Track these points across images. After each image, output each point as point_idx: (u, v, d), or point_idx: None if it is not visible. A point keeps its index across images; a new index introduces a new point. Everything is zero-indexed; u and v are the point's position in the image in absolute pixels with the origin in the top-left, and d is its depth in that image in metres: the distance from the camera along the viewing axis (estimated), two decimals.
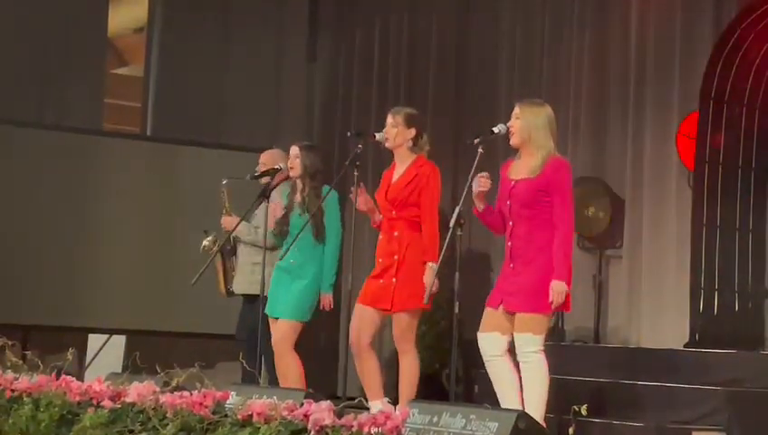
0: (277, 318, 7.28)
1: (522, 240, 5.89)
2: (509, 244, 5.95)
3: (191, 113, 10.67)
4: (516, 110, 6.02)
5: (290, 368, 7.20)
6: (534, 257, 5.84)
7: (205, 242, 8.09)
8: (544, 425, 5.66)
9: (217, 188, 8.02)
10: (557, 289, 5.79)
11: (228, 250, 8.07)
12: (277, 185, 7.96)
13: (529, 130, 5.93)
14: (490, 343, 5.96)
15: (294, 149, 7.40)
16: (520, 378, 5.92)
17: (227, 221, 7.88)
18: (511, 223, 5.95)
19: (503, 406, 5.90)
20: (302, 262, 7.24)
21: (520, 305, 5.84)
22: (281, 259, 7.20)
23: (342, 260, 7.65)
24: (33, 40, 10.13)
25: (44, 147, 9.72)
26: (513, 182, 5.95)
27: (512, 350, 5.96)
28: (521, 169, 5.97)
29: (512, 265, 5.93)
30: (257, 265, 7.47)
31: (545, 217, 5.87)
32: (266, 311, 7.31)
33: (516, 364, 5.93)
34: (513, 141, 5.98)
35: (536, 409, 5.78)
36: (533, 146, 5.92)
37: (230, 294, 8.20)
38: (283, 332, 7.22)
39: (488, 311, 6.01)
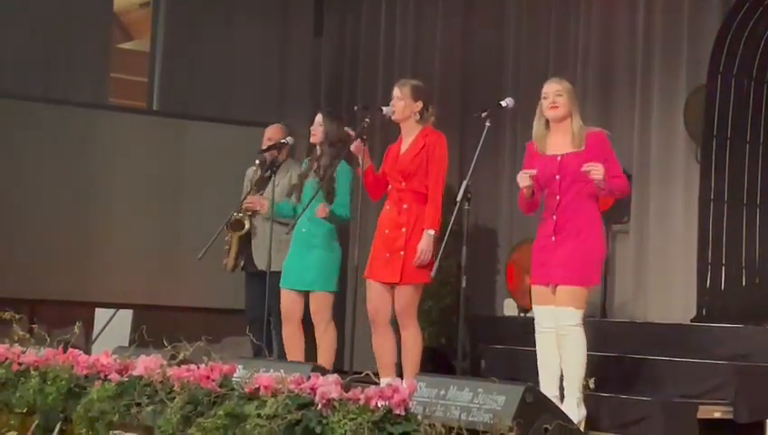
0: (297, 290, 7.22)
1: (570, 212, 6.04)
2: (554, 217, 6.07)
3: (197, 88, 10.65)
4: (558, 86, 6.13)
5: (323, 339, 7.17)
6: (581, 229, 6.02)
7: (236, 215, 8.05)
8: (582, 395, 5.86)
9: (246, 168, 8.03)
10: None
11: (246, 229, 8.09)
12: (285, 159, 7.96)
13: (570, 107, 6.08)
14: (546, 315, 6.06)
15: (318, 117, 7.36)
16: None
17: (256, 201, 7.85)
18: (558, 197, 6.08)
19: (541, 381, 6.00)
20: (314, 231, 7.19)
21: (564, 278, 5.97)
22: (291, 229, 7.11)
23: (349, 235, 7.62)
24: (40, 14, 10.09)
25: (50, 121, 9.70)
26: (559, 157, 6.07)
27: None
28: (560, 144, 6.10)
29: (554, 238, 6.05)
30: (283, 243, 7.44)
31: (591, 189, 6.03)
32: (281, 284, 7.27)
33: None
34: (557, 115, 6.10)
35: (574, 381, 5.90)
36: (570, 121, 6.07)
37: (234, 269, 8.22)
38: (318, 303, 7.18)
39: (536, 288, 6.12)
